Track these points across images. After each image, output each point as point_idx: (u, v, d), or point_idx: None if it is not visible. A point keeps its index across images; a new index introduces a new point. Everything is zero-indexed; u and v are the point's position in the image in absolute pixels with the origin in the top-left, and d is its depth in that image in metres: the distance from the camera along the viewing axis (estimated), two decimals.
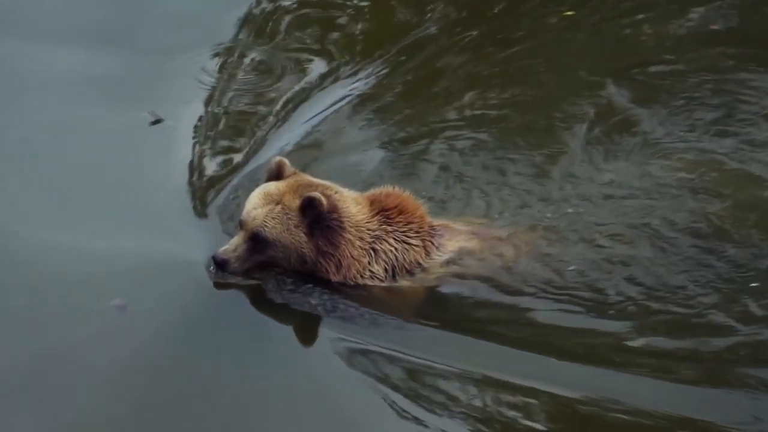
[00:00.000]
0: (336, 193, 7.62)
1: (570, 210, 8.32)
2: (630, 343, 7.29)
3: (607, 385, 6.97)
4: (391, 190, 7.81)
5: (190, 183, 8.84)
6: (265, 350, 7.23)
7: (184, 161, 9.09)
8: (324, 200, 7.43)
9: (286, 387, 6.94)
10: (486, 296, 7.66)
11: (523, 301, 7.63)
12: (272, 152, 9.10)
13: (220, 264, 7.46)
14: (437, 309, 7.61)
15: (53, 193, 8.61)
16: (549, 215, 8.26)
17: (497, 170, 8.84)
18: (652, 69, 10.14)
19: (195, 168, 9.05)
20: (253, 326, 7.46)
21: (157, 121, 9.56)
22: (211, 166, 9.09)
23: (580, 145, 9.14)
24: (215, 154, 9.29)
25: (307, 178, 7.72)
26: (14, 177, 8.79)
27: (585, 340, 7.35)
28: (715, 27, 10.78)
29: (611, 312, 7.53)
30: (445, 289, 7.70)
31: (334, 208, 7.50)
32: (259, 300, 7.58)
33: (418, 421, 6.77)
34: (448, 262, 7.75)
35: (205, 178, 8.90)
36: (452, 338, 7.33)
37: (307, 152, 9.24)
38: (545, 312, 7.57)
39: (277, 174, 7.68)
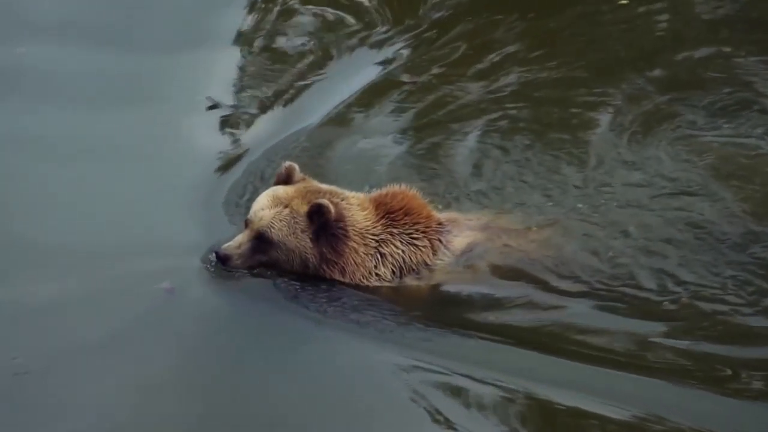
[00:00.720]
0: (343, 200, 7.74)
1: (603, 201, 8.25)
2: (662, 342, 7.14)
3: (638, 391, 6.81)
4: (397, 191, 7.86)
5: (213, 170, 9.12)
6: (266, 349, 7.35)
7: (210, 149, 9.39)
8: (332, 208, 7.54)
9: (287, 385, 7.04)
10: (493, 294, 7.63)
11: (532, 299, 7.58)
12: (299, 128, 9.43)
13: (221, 259, 7.64)
14: (442, 309, 7.62)
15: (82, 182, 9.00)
16: (580, 205, 8.21)
17: (524, 160, 8.88)
18: (697, 55, 10.04)
19: (218, 155, 9.33)
20: (255, 325, 7.63)
21: (213, 106, 9.91)
22: (238, 150, 9.38)
23: (617, 133, 9.09)
24: (243, 136, 9.59)
25: (316, 184, 7.86)
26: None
27: (606, 341, 7.21)
28: None
29: (642, 312, 7.37)
30: (451, 287, 7.70)
31: (340, 217, 7.61)
32: (265, 298, 7.71)
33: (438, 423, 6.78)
34: (455, 260, 7.76)
35: (229, 164, 9.18)
36: (454, 338, 7.32)
37: (334, 131, 9.45)
38: (552, 310, 7.49)
39: (286, 178, 7.83)
